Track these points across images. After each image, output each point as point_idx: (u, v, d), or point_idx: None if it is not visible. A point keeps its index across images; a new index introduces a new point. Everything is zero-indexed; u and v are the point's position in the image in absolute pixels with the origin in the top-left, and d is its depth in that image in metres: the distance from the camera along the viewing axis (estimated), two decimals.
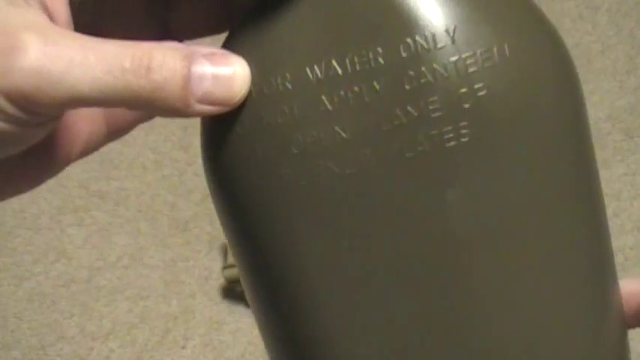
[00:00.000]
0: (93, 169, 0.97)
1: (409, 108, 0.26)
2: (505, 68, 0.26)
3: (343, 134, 0.26)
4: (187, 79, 0.25)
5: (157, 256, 0.93)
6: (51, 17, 0.26)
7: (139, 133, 0.97)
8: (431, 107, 0.26)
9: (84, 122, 0.30)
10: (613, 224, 0.91)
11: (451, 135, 0.26)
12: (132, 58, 0.25)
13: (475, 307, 0.27)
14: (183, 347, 0.89)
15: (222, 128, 0.28)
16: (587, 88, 0.98)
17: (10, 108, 0.25)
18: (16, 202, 0.95)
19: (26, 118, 0.25)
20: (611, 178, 0.94)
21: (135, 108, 0.26)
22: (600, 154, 0.95)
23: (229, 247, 0.30)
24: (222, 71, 0.26)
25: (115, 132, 0.32)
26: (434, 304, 0.27)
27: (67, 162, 0.30)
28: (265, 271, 0.28)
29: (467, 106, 0.26)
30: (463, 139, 0.26)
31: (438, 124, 0.26)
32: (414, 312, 0.27)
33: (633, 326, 0.31)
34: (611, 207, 0.92)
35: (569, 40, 1.01)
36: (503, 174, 0.27)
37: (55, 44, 0.25)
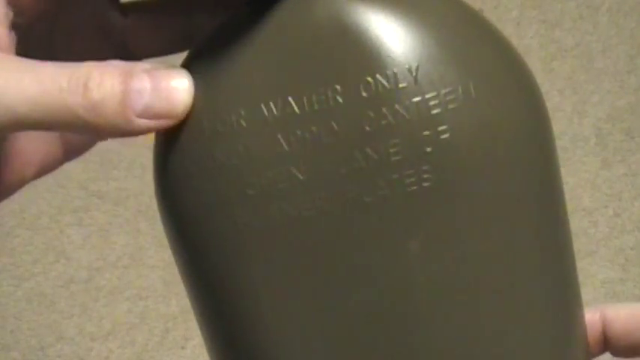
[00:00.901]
0: (93, 169, 0.97)
1: (369, 150, 0.25)
2: (470, 109, 0.25)
3: (300, 176, 0.25)
4: (125, 94, 0.25)
5: (157, 256, 0.93)
6: None
7: None
8: (391, 150, 0.25)
9: (38, 143, 0.30)
10: (614, 224, 0.91)
11: (412, 179, 0.25)
12: (69, 77, 0.25)
13: (432, 354, 0.26)
14: (183, 347, 0.89)
15: (173, 166, 0.27)
16: (587, 88, 0.98)
17: None
18: (15, 203, 0.95)
19: None
20: (612, 179, 0.93)
21: (77, 130, 0.25)
22: (601, 154, 0.95)
23: (183, 282, 0.29)
24: (162, 84, 0.25)
25: (71, 152, 0.31)
26: (389, 351, 0.26)
27: (22, 183, 0.30)
28: (217, 312, 0.28)
29: (429, 149, 0.25)
30: (425, 184, 0.25)
31: (398, 168, 0.25)
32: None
33: (594, 355, 0.31)
34: (611, 207, 0.92)
35: (569, 40, 1.00)
36: (466, 220, 0.26)
37: None
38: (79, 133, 0.29)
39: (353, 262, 0.26)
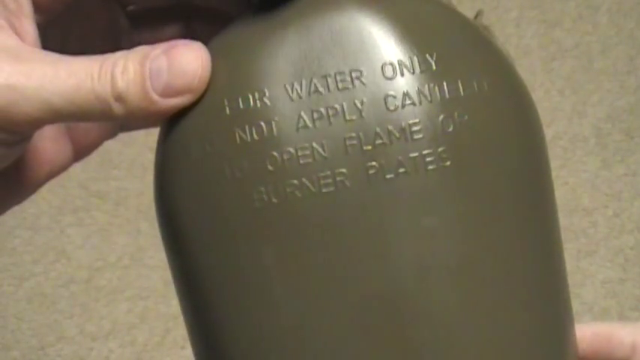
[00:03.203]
0: (93, 169, 0.97)
1: (391, 128, 0.26)
2: (483, 101, 0.27)
3: (322, 152, 0.26)
4: (145, 77, 0.26)
5: (157, 256, 0.93)
6: (20, 38, 0.27)
7: (138, 133, 0.97)
8: (413, 129, 0.26)
9: (47, 142, 0.31)
10: (613, 224, 0.91)
11: (431, 158, 0.26)
12: (99, 70, 0.26)
13: (431, 337, 0.27)
14: (183, 347, 0.89)
15: (183, 147, 0.27)
16: (587, 88, 0.98)
17: None
18: None
19: (1, 136, 0.26)
20: (612, 179, 0.93)
21: (110, 119, 0.26)
22: (600, 154, 0.95)
23: (175, 281, 0.29)
24: (176, 60, 0.26)
25: (81, 150, 0.32)
26: (398, 330, 0.26)
27: (36, 185, 0.31)
28: (224, 300, 0.27)
29: (449, 129, 0.26)
30: (444, 164, 0.26)
31: (418, 147, 0.26)
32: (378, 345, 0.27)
33: None
34: (611, 207, 0.92)
35: (569, 40, 1.00)
36: (478, 201, 0.27)
37: (28, 61, 0.25)
38: (112, 122, 0.30)
39: (369, 236, 0.26)
